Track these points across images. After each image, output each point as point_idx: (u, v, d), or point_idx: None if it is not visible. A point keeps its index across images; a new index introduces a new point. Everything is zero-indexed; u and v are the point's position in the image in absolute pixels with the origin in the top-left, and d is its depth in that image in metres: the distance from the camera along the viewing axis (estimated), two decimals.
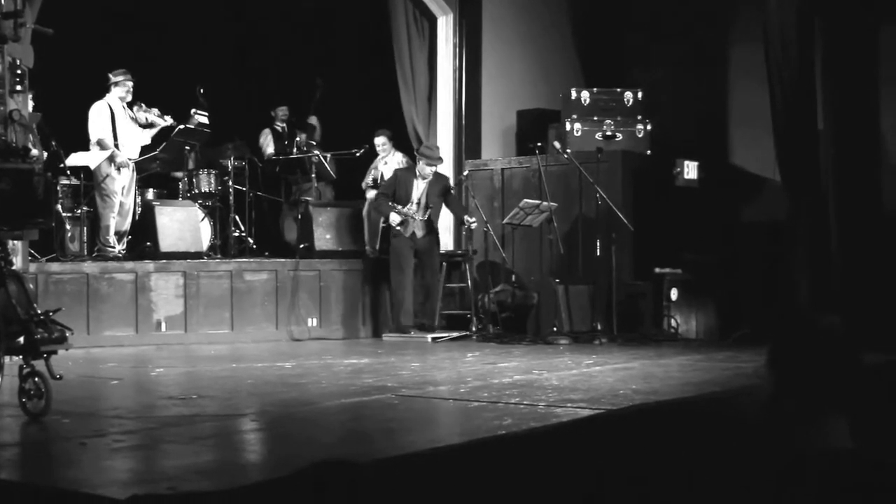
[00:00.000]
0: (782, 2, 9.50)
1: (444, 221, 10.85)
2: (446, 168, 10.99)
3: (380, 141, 11.41)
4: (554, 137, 10.86)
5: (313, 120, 12.07)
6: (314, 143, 11.67)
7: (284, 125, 12.11)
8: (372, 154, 11.50)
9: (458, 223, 10.68)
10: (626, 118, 11.06)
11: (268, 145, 11.96)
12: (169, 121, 10.42)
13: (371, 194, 11.15)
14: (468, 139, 11.65)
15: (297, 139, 11.78)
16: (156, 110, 10.37)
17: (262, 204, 11.54)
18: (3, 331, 5.29)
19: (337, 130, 12.10)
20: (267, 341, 9.74)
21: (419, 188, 10.16)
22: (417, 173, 10.18)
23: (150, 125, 10.42)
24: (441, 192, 10.25)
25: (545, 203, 10.00)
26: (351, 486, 3.28)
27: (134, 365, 7.90)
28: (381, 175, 11.27)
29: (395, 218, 10.04)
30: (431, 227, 10.26)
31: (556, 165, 10.56)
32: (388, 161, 11.38)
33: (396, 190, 10.13)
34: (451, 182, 10.81)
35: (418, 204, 10.13)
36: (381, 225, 10.82)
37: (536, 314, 10.01)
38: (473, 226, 10.12)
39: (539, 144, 10.41)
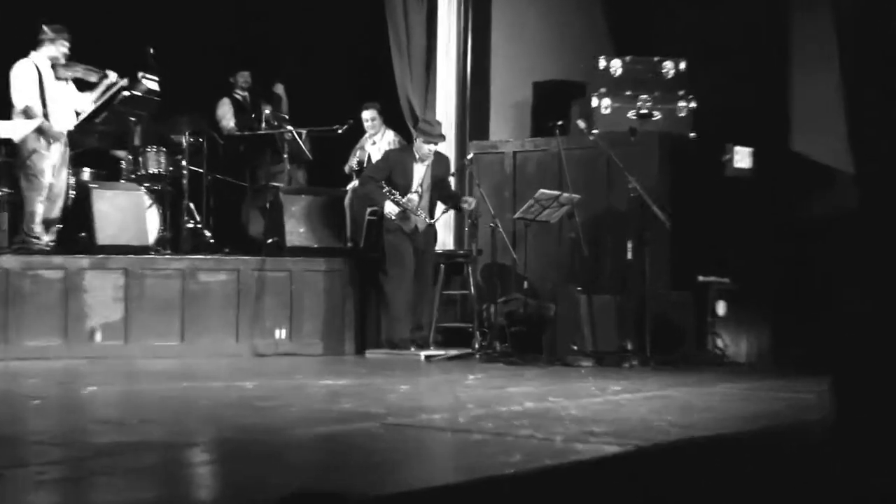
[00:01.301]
0: None
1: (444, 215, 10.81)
2: (447, 150, 10.98)
3: (367, 116, 11.39)
4: (578, 115, 10.85)
5: (279, 89, 12.05)
6: (286, 118, 11.65)
7: (246, 94, 12.09)
8: (357, 131, 11.48)
9: (455, 209, 10.54)
10: (665, 93, 11.04)
11: (227, 118, 11.93)
12: (113, 77, 10.34)
13: (356, 181, 11.13)
14: (473, 116, 11.64)
15: (266, 112, 11.76)
16: (81, 66, 10.27)
17: (223, 189, 11.53)
18: None
19: (315, 102, 12.08)
20: (225, 356, 9.73)
21: (419, 173, 10.12)
22: (416, 155, 10.15)
23: (88, 86, 10.36)
24: (442, 176, 10.22)
25: (566, 194, 9.99)
26: None
27: (62, 381, 7.86)
28: (368, 157, 11.26)
29: (391, 208, 9.97)
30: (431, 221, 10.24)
31: (580, 149, 10.55)
32: (377, 140, 11.37)
33: (392, 176, 10.05)
34: (453, 166, 10.79)
35: (420, 192, 10.07)
36: (368, 217, 10.80)
37: (553, 329, 9.99)
38: (472, 205, 10.06)
39: (559, 123, 10.39)
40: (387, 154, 10.55)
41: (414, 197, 10.04)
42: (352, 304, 10.48)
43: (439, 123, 10.51)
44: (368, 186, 10.22)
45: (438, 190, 10.22)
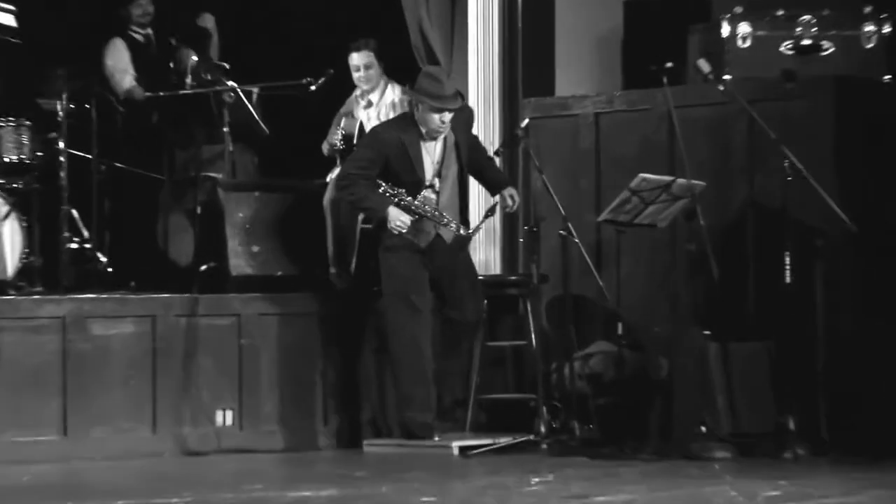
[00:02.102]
0: None
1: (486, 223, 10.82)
2: (485, 109, 11.00)
3: (358, 61, 11.37)
4: (698, 53, 10.86)
5: (208, 21, 12.08)
6: (224, 67, 11.69)
7: (149, 32, 12.12)
8: (342, 87, 11.49)
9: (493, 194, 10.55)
10: (840, 15, 11.04)
11: (124, 71, 11.96)
12: None
13: (340, 167, 11.13)
14: (528, 59, 11.74)
15: (191, 60, 11.80)
16: None
17: (125, 185, 11.62)
18: None
19: (270, 43, 12.13)
20: (136, 456, 9.76)
21: (432, 155, 10.16)
22: (422, 129, 10.16)
23: None
24: (467, 140, 10.24)
25: (681, 181, 9.98)
26: None
27: None
28: (360, 128, 11.26)
29: (397, 217, 9.92)
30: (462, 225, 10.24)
31: (704, 106, 10.59)
32: (374, 100, 11.37)
33: (390, 166, 10.06)
34: (497, 139, 10.78)
35: (437, 186, 10.11)
36: (361, 225, 10.81)
37: (667, 400, 10.01)
38: (514, 205, 10.13)
39: (668, 66, 10.40)
40: (375, 134, 10.40)
41: (430, 195, 10.05)
42: (334, 369, 10.52)
43: (450, 78, 10.50)
44: (357, 189, 10.05)
45: (472, 166, 10.24)
